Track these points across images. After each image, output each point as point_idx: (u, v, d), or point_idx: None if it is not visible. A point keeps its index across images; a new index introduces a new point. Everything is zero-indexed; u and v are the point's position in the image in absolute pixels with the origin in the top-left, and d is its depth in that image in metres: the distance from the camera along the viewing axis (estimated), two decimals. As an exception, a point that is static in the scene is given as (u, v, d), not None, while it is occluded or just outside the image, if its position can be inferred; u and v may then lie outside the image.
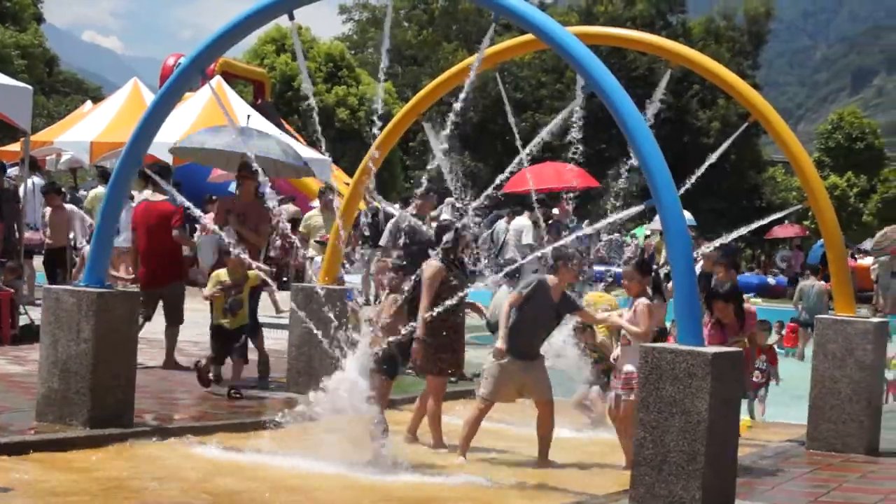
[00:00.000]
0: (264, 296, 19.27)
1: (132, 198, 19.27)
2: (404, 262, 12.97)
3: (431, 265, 12.65)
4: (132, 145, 11.84)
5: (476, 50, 12.35)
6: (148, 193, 22.48)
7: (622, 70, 59.00)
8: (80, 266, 20.54)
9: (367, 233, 20.63)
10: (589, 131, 15.91)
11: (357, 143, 54.73)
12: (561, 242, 12.58)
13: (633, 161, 10.31)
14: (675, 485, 8.85)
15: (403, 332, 11.64)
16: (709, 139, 64.12)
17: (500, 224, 22.90)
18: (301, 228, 22.74)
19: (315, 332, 12.08)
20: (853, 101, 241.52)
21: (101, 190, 23.75)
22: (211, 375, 14.30)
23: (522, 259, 19.61)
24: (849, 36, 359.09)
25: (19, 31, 64.94)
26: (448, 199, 21.32)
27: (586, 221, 18.22)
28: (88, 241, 22.92)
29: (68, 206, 22.72)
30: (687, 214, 13.41)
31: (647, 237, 34.03)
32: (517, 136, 15.07)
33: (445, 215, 20.97)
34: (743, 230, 13.74)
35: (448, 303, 12.03)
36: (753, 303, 12.51)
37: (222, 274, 14.14)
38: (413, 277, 12.15)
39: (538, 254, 16.06)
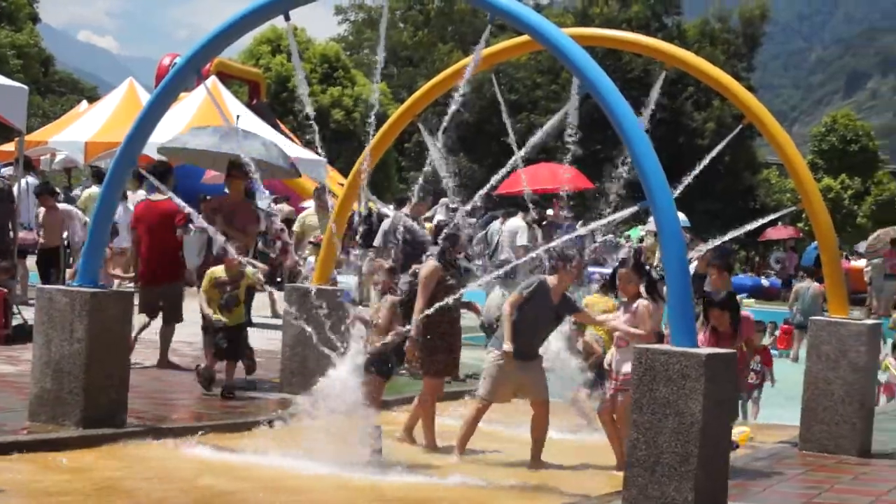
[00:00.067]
0: (263, 297, 19.33)
1: (125, 197, 19.29)
2: (398, 263, 12.98)
3: (428, 265, 12.66)
4: (127, 145, 11.84)
5: (471, 51, 12.36)
6: (142, 193, 22.43)
7: (617, 72, 58.98)
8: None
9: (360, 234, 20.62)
10: (584, 132, 15.89)
11: (352, 144, 54.74)
12: (554, 244, 12.59)
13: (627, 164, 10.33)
14: (668, 486, 8.85)
15: (397, 332, 11.64)
16: (703, 141, 64.15)
17: (495, 225, 22.93)
18: (296, 228, 22.74)
19: (309, 332, 12.08)
20: (847, 103, 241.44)
21: (95, 190, 23.74)
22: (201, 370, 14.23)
23: (516, 260, 19.65)
24: (843, 38, 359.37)
25: (15, 31, 64.95)
26: (442, 200, 21.36)
27: (580, 222, 18.25)
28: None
29: (64, 206, 22.69)
30: (681, 216, 13.40)
31: (640, 240, 34.05)
32: (512, 137, 15.07)
33: (440, 216, 21.01)
34: (738, 231, 13.76)
35: (446, 301, 12.04)
36: (746, 304, 12.51)
37: (218, 271, 14.13)
38: (407, 277, 12.16)
39: (532, 255, 16.08)
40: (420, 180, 15.18)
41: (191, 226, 15.33)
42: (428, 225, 19.11)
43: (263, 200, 26.57)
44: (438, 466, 11.58)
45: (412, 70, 75.54)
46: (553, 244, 12.49)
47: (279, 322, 16.42)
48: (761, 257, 62.35)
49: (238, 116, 19.30)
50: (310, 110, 13.05)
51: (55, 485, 9.66)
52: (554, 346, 13.73)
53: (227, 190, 16.47)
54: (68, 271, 21.15)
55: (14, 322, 17.53)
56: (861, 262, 37.84)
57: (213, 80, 29.58)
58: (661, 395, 8.93)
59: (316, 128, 12.89)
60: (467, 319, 14.31)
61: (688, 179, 13.33)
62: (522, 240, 21.59)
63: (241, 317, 14.40)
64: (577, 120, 14.45)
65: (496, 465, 12.24)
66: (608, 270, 16.37)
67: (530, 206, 20.91)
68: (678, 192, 11.96)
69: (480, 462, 12.21)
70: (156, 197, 16.17)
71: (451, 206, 19.79)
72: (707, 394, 8.84)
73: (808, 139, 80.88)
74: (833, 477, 11.58)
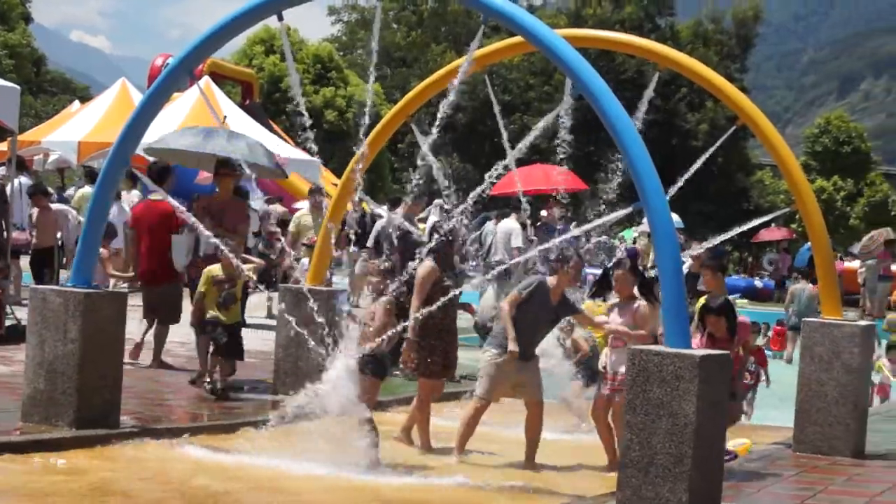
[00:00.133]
0: (259, 297, 19.29)
1: (119, 197, 19.24)
2: (390, 264, 12.97)
3: (425, 266, 12.65)
4: (120, 145, 11.81)
5: (465, 52, 12.35)
6: (136, 193, 22.42)
7: (611, 73, 59.09)
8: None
9: (353, 235, 20.64)
10: (577, 133, 15.90)
11: (345, 144, 54.75)
12: (547, 245, 12.59)
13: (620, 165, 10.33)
14: (662, 487, 8.85)
15: (392, 333, 11.63)
16: (697, 142, 64.26)
17: (489, 226, 22.93)
18: (291, 228, 22.74)
19: (302, 333, 12.08)
20: (840, 105, 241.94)
21: (88, 190, 23.70)
22: (216, 386, 14.16)
23: (510, 261, 19.64)
24: (837, 40, 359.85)
25: (7, 31, 64.88)
26: (436, 201, 21.36)
27: (574, 223, 18.24)
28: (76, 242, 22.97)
29: (58, 206, 22.65)
30: (675, 217, 13.40)
31: (633, 241, 34.04)
32: (505, 138, 15.07)
33: (433, 217, 21.00)
34: (732, 233, 13.77)
35: (442, 301, 12.05)
36: (740, 304, 12.49)
37: (215, 269, 14.11)
38: (400, 278, 12.15)
39: (526, 256, 16.08)
40: (414, 181, 15.15)
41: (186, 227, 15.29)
42: (422, 225, 19.10)
43: (257, 201, 26.59)
44: (433, 467, 11.58)
45: (405, 71, 75.57)
46: (547, 245, 12.48)
47: (273, 323, 16.41)
48: (754, 258, 62.44)
49: (225, 117, 19.24)
50: (304, 114, 13.00)
51: (48, 486, 9.64)
52: (544, 344, 13.74)
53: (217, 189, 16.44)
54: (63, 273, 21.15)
55: (7, 322, 17.50)
56: (855, 264, 37.84)
57: (206, 81, 29.57)
58: (655, 397, 8.93)
59: (310, 130, 12.85)
60: (461, 320, 14.31)
61: (682, 181, 13.34)
62: (517, 241, 21.59)
63: (238, 315, 14.39)
64: (569, 121, 14.45)
65: (490, 465, 12.23)
66: (600, 271, 16.39)
67: (523, 206, 20.89)
68: (672, 193, 11.95)
69: (475, 463, 12.21)
70: (155, 197, 16.15)
71: (444, 207, 19.79)
72: (701, 395, 8.83)
73: (801, 140, 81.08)
74: (827, 478, 11.59)
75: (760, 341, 24.84)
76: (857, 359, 12.87)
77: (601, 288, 14.26)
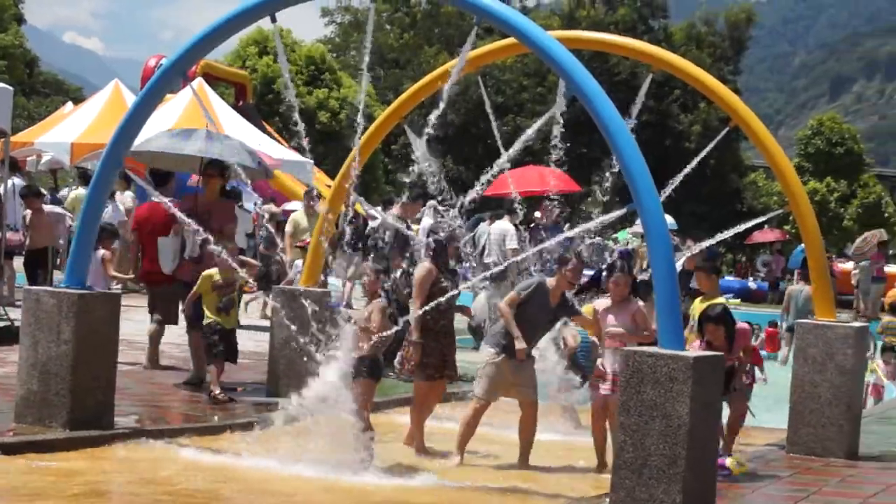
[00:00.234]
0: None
1: (112, 197, 19.19)
2: (382, 266, 12.97)
3: (423, 267, 12.66)
4: (113, 147, 11.81)
5: (458, 53, 12.37)
6: (130, 194, 22.37)
7: (604, 74, 59.09)
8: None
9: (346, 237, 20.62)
10: (570, 135, 15.90)
11: (338, 145, 54.70)
12: (542, 247, 12.58)
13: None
14: (656, 488, 8.86)
15: (386, 334, 11.62)
16: (690, 143, 64.30)
17: (482, 227, 22.92)
18: (288, 229, 22.73)
19: (296, 334, 12.07)
20: (832, 107, 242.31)
21: (81, 191, 23.66)
22: (219, 393, 14.10)
23: (504, 262, 19.64)
24: (828, 42, 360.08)
25: (0, 32, 64.80)
26: (430, 203, 21.34)
27: (567, 225, 18.25)
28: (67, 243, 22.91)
29: (51, 208, 22.61)
30: (669, 218, 13.40)
31: (626, 242, 34.04)
32: (499, 139, 15.07)
33: (427, 218, 20.99)
34: (726, 234, 13.79)
35: (439, 301, 12.05)
36: (732, 304, 12.49)
37: (214, 273, 14.08)
38: (391, 278, 12.14)
39: (521, 257, 16.07)
40: (409, 182, 15.16)
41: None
42: (415, 227, 19.10)
43: (249, 202, 26.55)
44: (427, 469, 11.55)
45: (398, 72, 75.53)
46: (542, 247, 12.49)
47: (267, 324, 16.39)
48: (748, 260, 62.48)
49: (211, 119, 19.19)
50: (301, 126, 12.97)
51: (41, 487, 9.63)
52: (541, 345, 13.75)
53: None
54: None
55: (0, 323, 17.48)
56: (849, 265, 37.88)
57: (199, 82, 29.51)
58: (649, 398, 8.94)
59: (303, 131, 12.84)
60: (454, 322, 14.30)
61: (675, 182, 13.36)
62: (512, 243, 21.58)
63: (237, 320, 14.35)
64: (562, 124, 14.46)
65: (484, 466, 12.24)
66: (591, 272, 16.39)
67: (520, 207, 20.87)
68: (665, 194, 11.97)
69: (468, 463, 12.21)
70: (159, 198, 16.11)
71: (438, 208, 19.79)
72: (694, 396, 8.85)
73: (794, 142, 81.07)
74: (820, 479, 11.60)
75: (754, 343, 24.83)
76: (851, 360, 12.89)
77: (584, 289, 14.29)
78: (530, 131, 14.85)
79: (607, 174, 13.33)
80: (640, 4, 75.19)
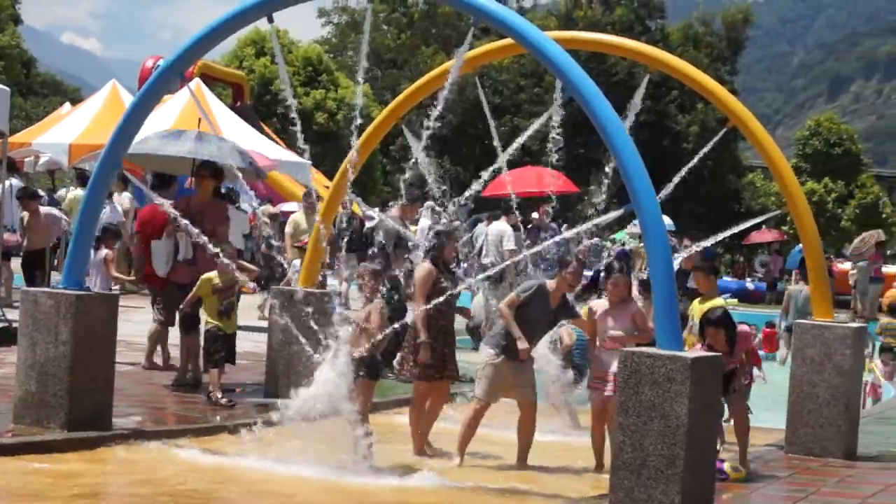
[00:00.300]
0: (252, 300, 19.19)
1: (111, 197, 19.16)
2: (380, 267, 12.96)
3: (423, 268, 12.66)
4: (111, 148, 11.81)
5: (455, 54, 12.35)
6: (127, 195, 22.34)
7: (601, 75, 59.06)
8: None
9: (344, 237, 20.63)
10: (568, 136, 15.91)
11: (336, 146, 54.72)
12: (540, 247, 12.58)
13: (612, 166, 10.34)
14: (655, 489, 8.86)
15: (385, 334, 11.60)
16: (688, 144, 64.30)
17: (480, 228, 22.94)
18: (288, 229, 22.75)
19: (295, 334, 12.06)
20: (831, 107, 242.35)
21: (79, 192, 23.65)
22: (221, 397, 14.08)
23: (501, 263, 19.64)
24: (827, 42, 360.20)
25: (-3, 33, 64.84)
26: (427, 203, 21.35)
27: (565, 225, 18.26)
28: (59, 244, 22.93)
29: (47, 210, 22.60)
30: (667, 219, 13.42)
31: (623, 243, 34.04)
32: (496, 140, 15.08)
33: (425, 219, 21.00)
34: (725, 234, 13.80)
35: (441, 299, 12.05)
36: (730, 304, 12.48)
37: (213, 276, 14.07)
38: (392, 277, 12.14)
39: (518, 258, 16.07)
40: (407, 183, 15.16)
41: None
42: (413, 227, 19.10)
43: (245, 203, 26.52)
44: (427, 469, 11.54)
45: (396, 72, 75.53)
46: (539, 248, 12.49)
47: (264, 324, 16.37)
48: (746, 260, 62.50)
49: (200, 120, 19.12)
50: (299, 128, 12.95)
51: (40, 488, 9.62)
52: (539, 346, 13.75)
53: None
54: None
55: (-2, 325, 17.48)
56: (846, 265, 37.88)
57: (196, 83, 29.50)
58: (647, 398, 8.94)
59: (300, 132, 12.83)
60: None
61: (673, 182, 13.36)
62: (510, 244, 21.58)
63: (236, 324, 14.32)
64: (560, 124, 14.47)
65: (482, 467, 12.24)
66: (589, 273, 16.39)
67: (514, 208, 20.90)
68: (663, 194, 11.96)
69: (468, 464, 12.21)
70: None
71: (436, 209, 19.79)
72: (693, 397, 8.85)
73: (791, 143, 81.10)
74: (819, 480, 11.60)
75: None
76: (849, 360, 12.90)
77: (587, 291, 14.30)
78: (528, 133, 14.87)
79: (605, 172, 13.33)
80: (638, 5, 75.16)
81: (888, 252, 45.82)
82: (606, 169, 13.01)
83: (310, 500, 10.32)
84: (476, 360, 13.14)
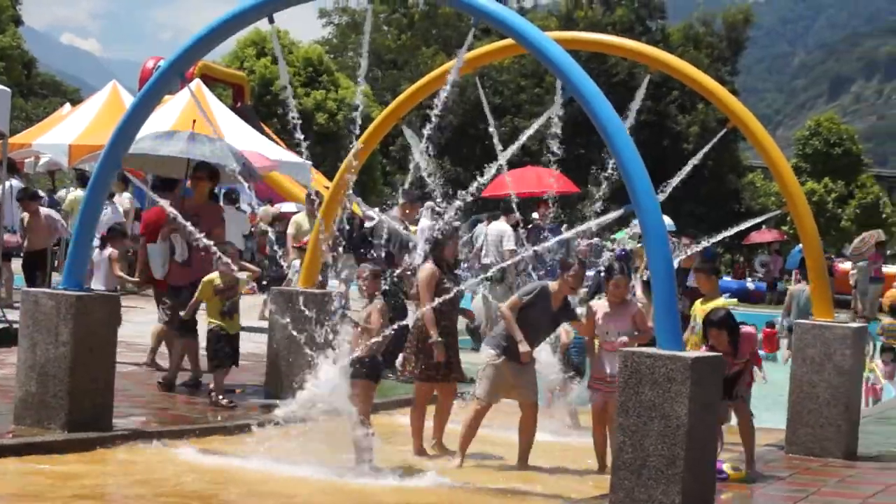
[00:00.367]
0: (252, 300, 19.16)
1: (111, 198, 19.15)
2: (380, 266, 12.96)
3: (426, 268, 12.67)
4: (111, 148, 11.81)
5: (455, 54, 12.37)
6: (128, 196, 22.32)
7: (602, 75, 59.06)
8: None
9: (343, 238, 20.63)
10: (568, 136, 15.91)
11: (336, 146, 54.71)
12: (539, 248, 12.56)
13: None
14: (655, 489, 8.86)
15: (383, 336, 11.60)
16: (688, 144, 64.24)
17: (479, 228, 22.92)
18: (290, 230, 22.75)
19: (295, 335, 12.06)
20: (831, 107, 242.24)
21: (80, 193, 23.64)
22: (222, 398, 14.08)
23: (501, 263, 19.64)
24: (827, 43, 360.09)
25: (-3, 34, 64.82)
26: (427, 203, 21.36)
27: (565, 226, 18.26)
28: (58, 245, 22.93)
29: (46, 211, 22.61)
30: (667, 219, 13.41)
31: (620, 244, 34.01)
32: (496, 140, 15.07)
33: (425, 220, 21.00)
34: (725, 234, 13.79)
35: (443, 298, 12.06)
36: (729, 303, 12.46)
37: (216, 278, 14.06)
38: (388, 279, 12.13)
39: (517, 258, 16.06)
40: (407, 184, 15.16)
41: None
42: (413, 228, 19.10)
43: (245, 203, 26.52)
44: (427, 470, 11.53)
45: (396, 73, 75.51)
46: (539, 248, 12.48)
47: (265, 325, 16.37)
48: (746, 261, 62.49)
49: (194, 121, 19.11)
50: (298, 132, 12.94)
51: (39, 489, 9.62)
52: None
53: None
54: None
55: (-2, 325, 17.48)
56: (846, 265, 37.86)
57: (197, 83, 29.50)
58: (647, 399, 8.94)
59: (300, 135, 12.82)
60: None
61: (674, 183, 13.36)
62: (510, 244, 21.56)
63: (239, 324, 14.30)
64: (560, 125, 14.46)
65: (483, 467, 12.24)
66: (590, 273, 16.38)
67: (515, 209, 20.87)
68: (664, 195, 11.97)
69: (467, 465, 12.21)
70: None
71: (436, 209, 19.79)
72: (693, 397, 8.85)
73: (791, 143, 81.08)
74: (819, 480, 11.60)
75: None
76: (849, 360, 12.89)
77: (594, 295, 14.30)
78: (527, 133, 14.87)
79: (604, 172, 13.32)
80: (638, 5, 75.13)
81: (888, 252, 45.79)
82: (608, 171, 13.00)
83: (310, 501, 10.31)
84: (477, 360, 13.14)
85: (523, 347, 12.01)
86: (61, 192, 30.49)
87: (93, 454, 11.02)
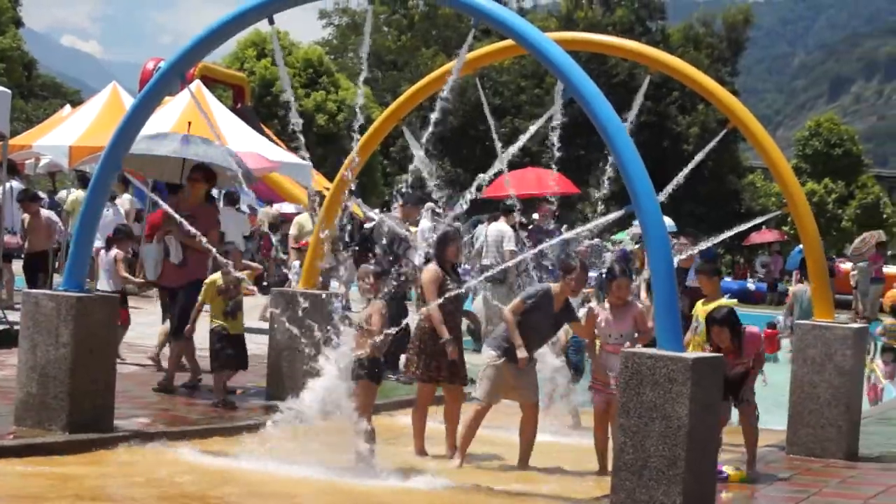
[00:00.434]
0: (252, 300, 19.11)
1: (113, 200, 19.14)
2: (382, 268, 12.95)
3: (429, 269, 12.66)
4: (111, 149, 11.81)
5: (455, 55, 12.37)
6: (128, 197, 22.34)
7: (602, 76, 59.08)
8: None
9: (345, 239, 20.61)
10: (568, 137, 15.90)
11: (337, 148, 54.69)
12: (539, 248, 12.55)
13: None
14: (656, 490, 8.86)
15: (386, 335, 11.58)
16: (688, 145, 64.27)
17: (480, 229, 22.91)
18: (293, 231, 22.74)
19: (296, 336, 12.05)
20: (831, 107, 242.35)
21: (81, 193, 23.65)
22: (223, 399, 14.05)
23: (502, 263, 19.62)
24: (827, 43, 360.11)
25: (-2, 36, 64.81)
26: (427, 204, 21.36)
27: (565, 227, 18.25)
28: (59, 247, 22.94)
29: (45, 213, 22.61)
30: (668, 220, 13.40)
31: (619, 245, 34.02)
32: (497, 141, 15.07)
33: (425, 221, 21.00)
34: (726, 235, 13.79)
35: (446, 296, 12.06)
36: (730, 304, 12.45)
37: (218, 279, 14.05)
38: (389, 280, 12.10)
39: (518, 259, 16.05)
40: (407, 184, 15.14)
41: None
42: (413, 229, 19.11)
43: (245, 204, 26.51)
44: (428, 471, 11.53)
45: (396, 74, 75.51)
46: (539, 248, 12.47)
47: (265, 326, 16.36)
48: (746, 261, 62.50)
49: (190, 123, 19.10)
50: (296, 119, 12.92)
51: (40, 491, 9.62)
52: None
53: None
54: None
55: (-1, 326, 17.48)
56: (847, 265, 37.87)
57: (197, 84, 29.49)
58: (648, 399, 8.94)
59: (301, 137, 12.81)
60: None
61: (674, 183, 13.35)
62: (510, 244, 21.55)
63: (243, 324, 14.28)
64: (560, 126, 14.46)
65: (484, 468, 12.23)
66: (593, 274, 16.37)
67: (515, 209, 20.86)
68: (664, 195, 11.96)
69: (468, 465, 12.20)
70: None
71: (436, 210, 19.79)
72: (693, 397, 8.85)
73: (792, 143, 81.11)
74: (820, 480, 11.60)
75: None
76: (850, 361, 12.89)
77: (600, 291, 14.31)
78: (527, 134, 14.85)
79: (603, 174, 13.32)
80: (638, 6, 75.17)
81: (889, 252, 45.77)
82: (607, 173, 13.00)
83: (311, 502, 10.32)
84: (477, 361, 13.14)
85: (521, 353, 11.99)
86: (62, 193, 30.50)
87: (93, 455, 11.02)
